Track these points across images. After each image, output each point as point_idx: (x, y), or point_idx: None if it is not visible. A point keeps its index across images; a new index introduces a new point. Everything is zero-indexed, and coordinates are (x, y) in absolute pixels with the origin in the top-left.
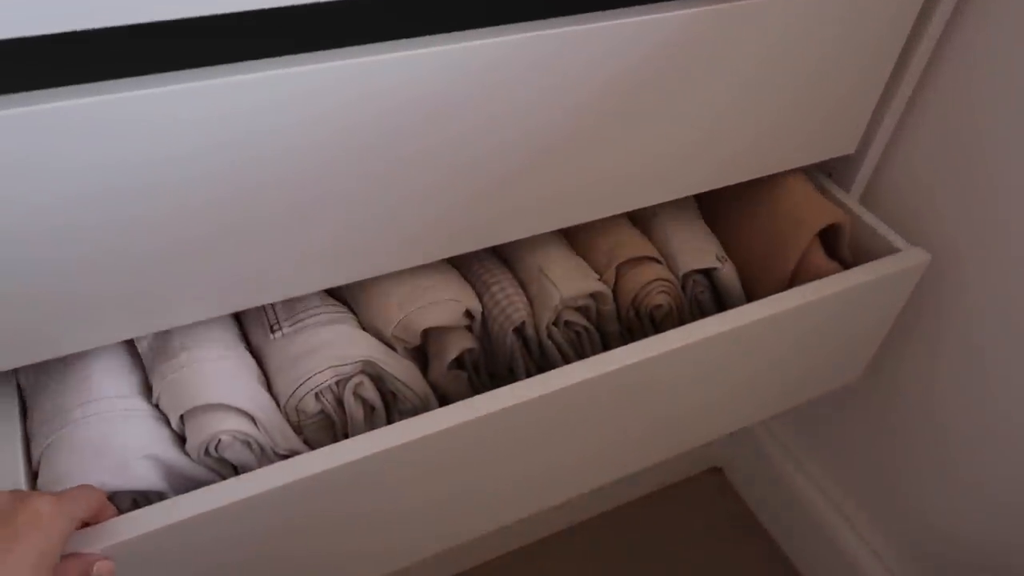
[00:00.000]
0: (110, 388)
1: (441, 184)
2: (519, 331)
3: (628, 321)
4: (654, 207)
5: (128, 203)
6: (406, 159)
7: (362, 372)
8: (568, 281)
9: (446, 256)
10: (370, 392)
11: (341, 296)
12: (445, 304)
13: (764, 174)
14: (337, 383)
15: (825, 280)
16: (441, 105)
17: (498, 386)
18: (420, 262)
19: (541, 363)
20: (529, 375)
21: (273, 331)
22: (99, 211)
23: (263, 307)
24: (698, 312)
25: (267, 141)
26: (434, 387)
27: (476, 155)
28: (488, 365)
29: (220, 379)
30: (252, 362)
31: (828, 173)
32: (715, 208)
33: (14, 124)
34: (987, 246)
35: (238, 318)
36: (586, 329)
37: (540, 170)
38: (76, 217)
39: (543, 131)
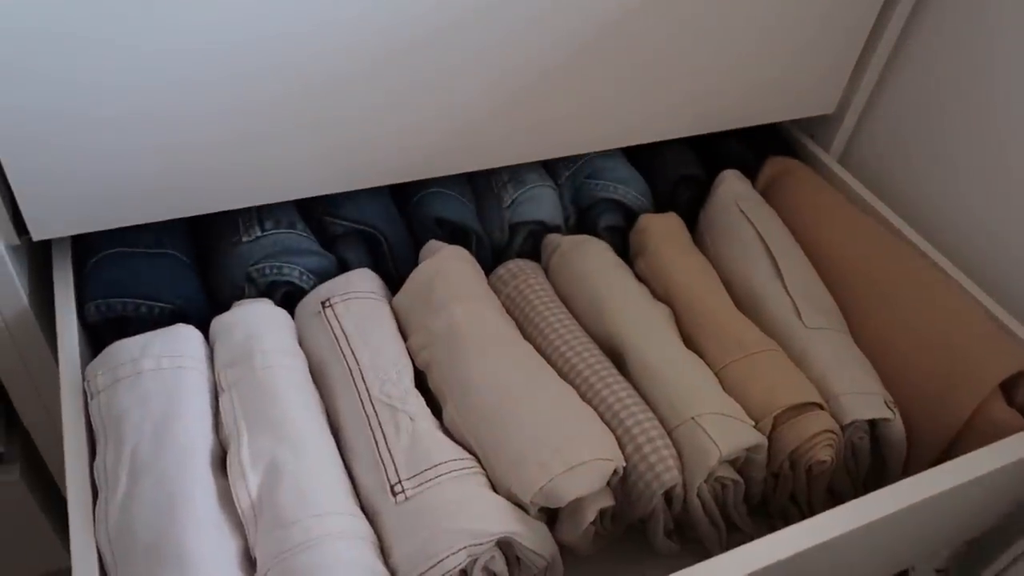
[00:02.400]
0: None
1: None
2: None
3: (778, 469)
4: (806, 330)
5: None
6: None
7: (495, 546)
8: (726, 435)
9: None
10: (500, 565)
11: (467, 443)
12: (593, 465)
13: (746, 124)
14: (471, 561)
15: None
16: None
17: (628, 534)
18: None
19: (681, 518)
20: (667, 531)
21: (394, 492)
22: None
23: (381, 460)
24: (852, 460)
25: None
26: (560, 543)
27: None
28: (619, 513)
29: (341, 562)
30: (374, 538)
31: (810, 134)
32: (871, 330)
33: None
34: (954, 209)
35: (351, 474)
36: (734, 482)
37: (545, 93)
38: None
39: (554, 53)
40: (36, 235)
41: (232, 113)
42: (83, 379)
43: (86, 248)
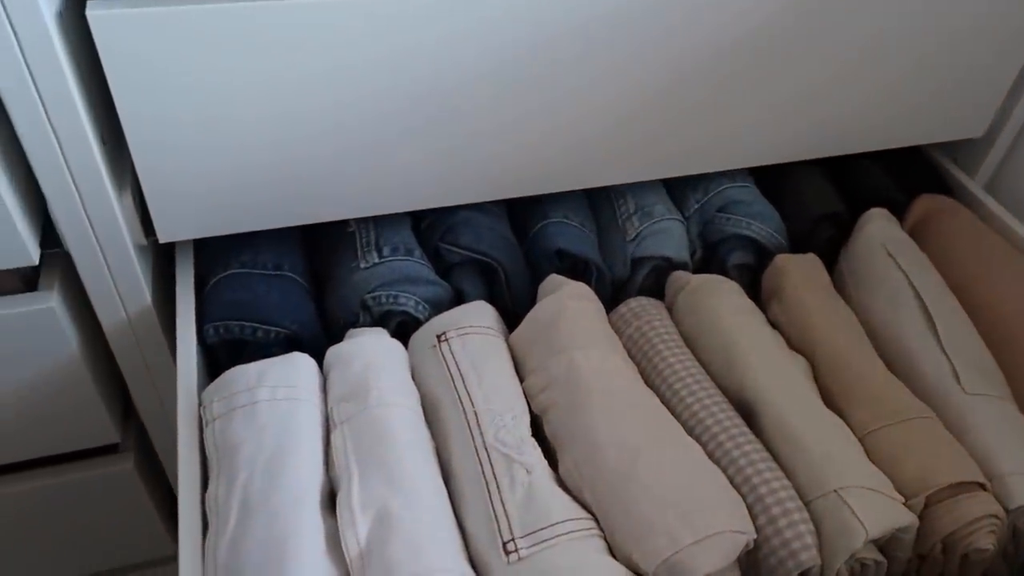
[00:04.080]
0: None
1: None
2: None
3: (927, 551)
4: (964, 395)
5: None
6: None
7: None
8: (875, 513)
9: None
10: None
11: (584, 499)
12: (725, 537)
13: (888, 147)
14: None
15: None
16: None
17: None
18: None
19: None
20: None
21: (507, 550)
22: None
23: (494, 514)
24: (1011, 544)
25: None
26: None
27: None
28: None
29: None
30: None
31: (953, 158)
32: None
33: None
34: None
35: (460, 523)
36: (875, 562)
37: (671, 108)
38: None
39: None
40: (163, 237)
41: (352, 124)
42: (199, 403)
43: (209, 261)
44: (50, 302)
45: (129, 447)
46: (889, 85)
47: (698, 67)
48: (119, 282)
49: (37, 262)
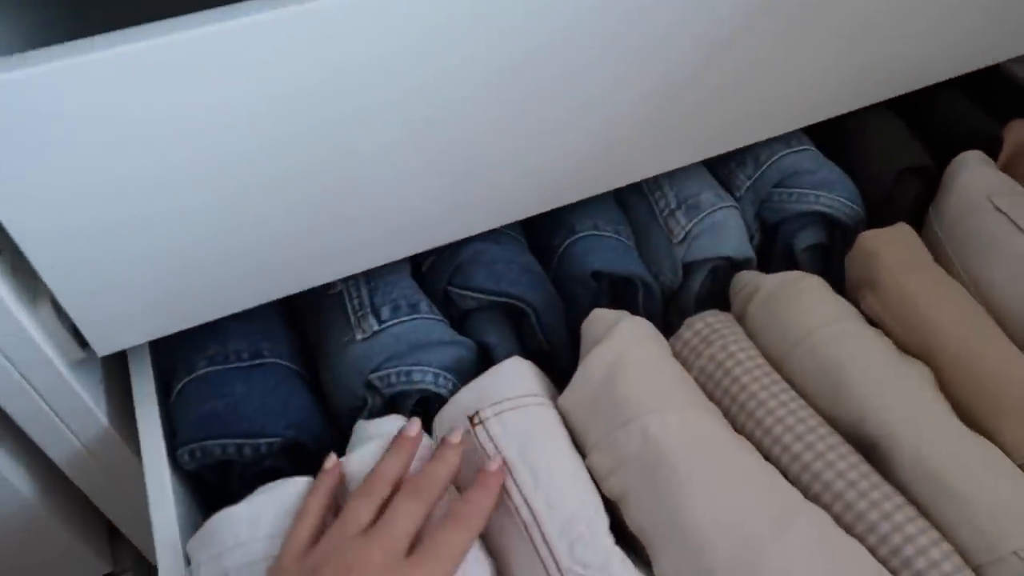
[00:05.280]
0: None
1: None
2: None
3: None
4: None
5: None
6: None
7: None
8: None
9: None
10: None
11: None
12: None
13: (964, 71)
14: None
15: None
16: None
17: None
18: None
19: None
20: None
21: None
22: None
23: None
24: None
25: None
26: None
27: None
28: None
29: None
30: None
31: None
32: None
33: None
34: None
35: None
36: None
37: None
38: None
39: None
40: (101, 350)
41: (316, 161)
42: (184, 557)
43: (171, 360)
44: None
45: (128, 568)
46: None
47: (733, 19)
48: (59, 410)
49: None
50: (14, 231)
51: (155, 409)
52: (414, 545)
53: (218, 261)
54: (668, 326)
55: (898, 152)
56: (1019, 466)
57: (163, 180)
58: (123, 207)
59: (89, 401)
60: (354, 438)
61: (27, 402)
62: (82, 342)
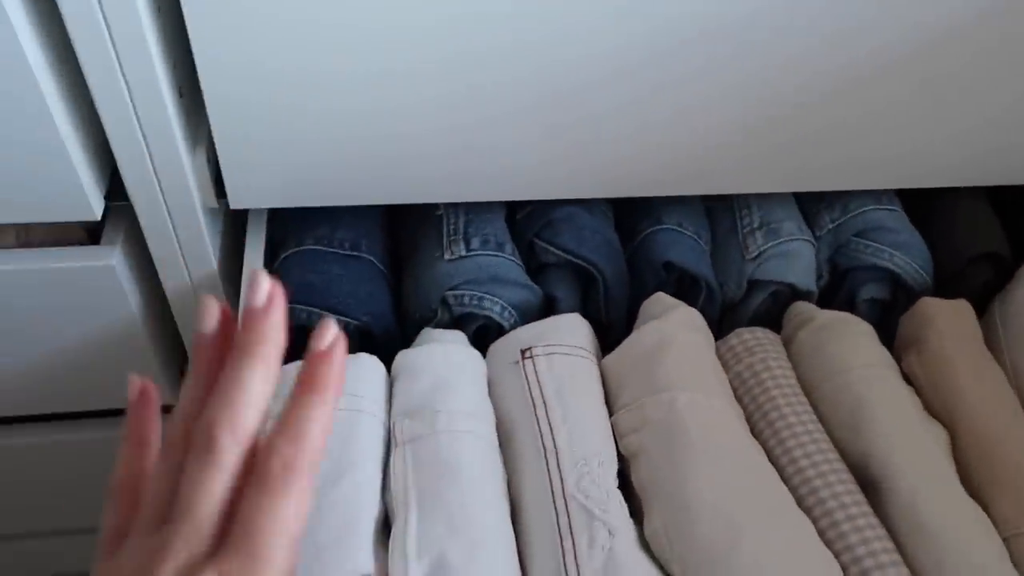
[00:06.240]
0: None
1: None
2: None
3: None
4: None
5: None
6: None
7: None
8: None
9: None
10: None
11: (671, 570)
12: None
13: None
14: None
15: None
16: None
17: None
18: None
19: None
20: None
21: None
22: None
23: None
24: None
25: None
26: None
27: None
28: None
29: None
30: None
31: None
32: None
33: None
34: None
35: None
36: None
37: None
38: None
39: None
40: (235, 203)
41: (461, 93)
42: None
43: (282, 231)
44: (111, 259)
45: None
46: None
47: (856, 73)
48: (184, 244)
49: (99, 218)
50: (200, 62)
51: (260, 265)
52: (225, 528)
53: (365, 148)
54: (718, 335)
55: (981, 237)
56: (1003, 540)
57: (348, 42)
58: (306, 58)
59: (209, 245)
60: (418, 340)
61: (162, 230)
62: (220, 193)
